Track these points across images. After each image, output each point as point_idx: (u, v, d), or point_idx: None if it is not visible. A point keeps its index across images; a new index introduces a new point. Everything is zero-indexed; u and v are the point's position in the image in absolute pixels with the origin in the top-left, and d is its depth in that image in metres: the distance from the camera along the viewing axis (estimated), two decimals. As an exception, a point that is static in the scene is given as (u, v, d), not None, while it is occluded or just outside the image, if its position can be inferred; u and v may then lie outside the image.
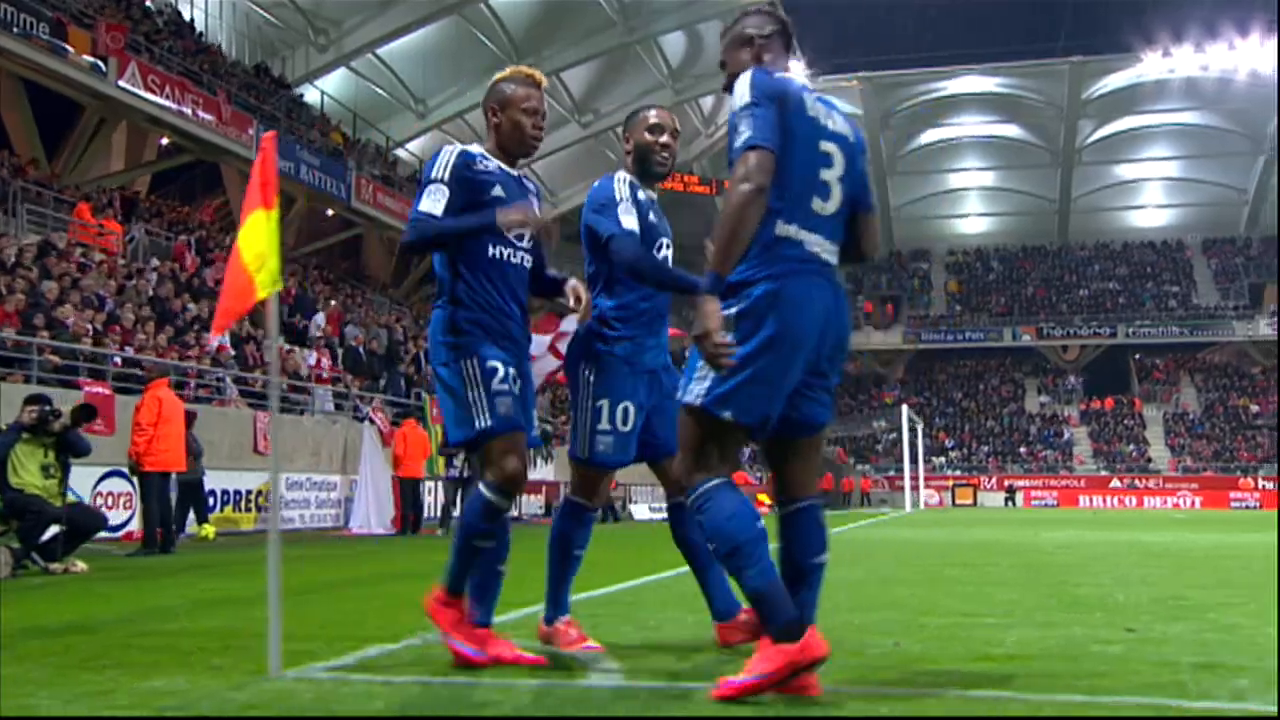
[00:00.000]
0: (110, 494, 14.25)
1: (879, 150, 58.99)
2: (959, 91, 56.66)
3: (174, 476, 14.36)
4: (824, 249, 3.45)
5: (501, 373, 3.89)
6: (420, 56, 42.18)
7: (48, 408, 8.23)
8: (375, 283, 38.59)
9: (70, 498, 8.80)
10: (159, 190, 35.03)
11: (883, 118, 57.07)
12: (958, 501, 52.42)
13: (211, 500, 16.05)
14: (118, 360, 16.05)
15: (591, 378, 4.33)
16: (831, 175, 3.48)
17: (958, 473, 55.39)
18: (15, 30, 21.99)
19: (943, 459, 56.60)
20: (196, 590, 7.08)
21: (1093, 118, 57.18)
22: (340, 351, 23.70)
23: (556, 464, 27.73)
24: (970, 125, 60.02)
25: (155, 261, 22.67)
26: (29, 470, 8.07)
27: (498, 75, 4.38)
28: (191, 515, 14.95)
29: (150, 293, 20.36)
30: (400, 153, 43.37)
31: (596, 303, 4.42)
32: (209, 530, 14.75)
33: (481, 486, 3.87)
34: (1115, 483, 53.01)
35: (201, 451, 14.92)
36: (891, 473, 55.15)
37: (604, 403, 4.28)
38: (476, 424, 3.83)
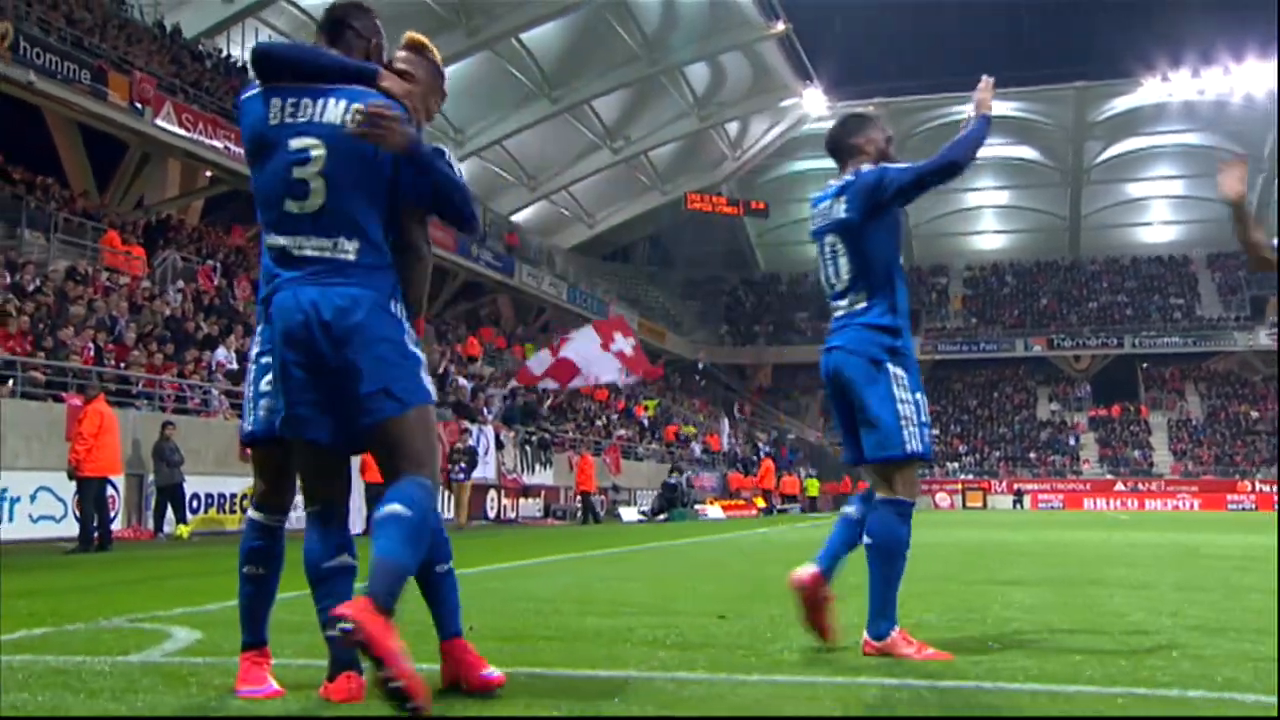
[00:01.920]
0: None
1: (897, 172, 58.87)
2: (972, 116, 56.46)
3: (153, 479, 15.26)
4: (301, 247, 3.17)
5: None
6: (456, 89, 42.92)
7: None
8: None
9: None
10: (211, 216, 36.19)
11: (900, 141, 56.76)
12: (968, 504, 52.08)
13: (195, 503, 16.84)
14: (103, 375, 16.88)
15: (903, 374, 4.18)
16: (307, 172, 3.15)
17: (969, 476, 55.05)
18: (59, 77, 23.01)
19: (955, 464, 56.26)
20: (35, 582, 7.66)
21: (1100, 139, 56.66)
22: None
23: (555, 469, 28.27)
24: (984, 147, 59.44)
25: (180, 284, 23.57)
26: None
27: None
28: (171, 515, 15.74)
29: (166, 313, 21.22)
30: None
31: (875, 303, 4.27)
32: (185, 530, 15.48)
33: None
34: (1119, 486, 52.40)
35: (181, 460, 15.70)
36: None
37: (920, 396, 4.21)
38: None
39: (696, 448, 39.91)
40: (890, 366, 4.19)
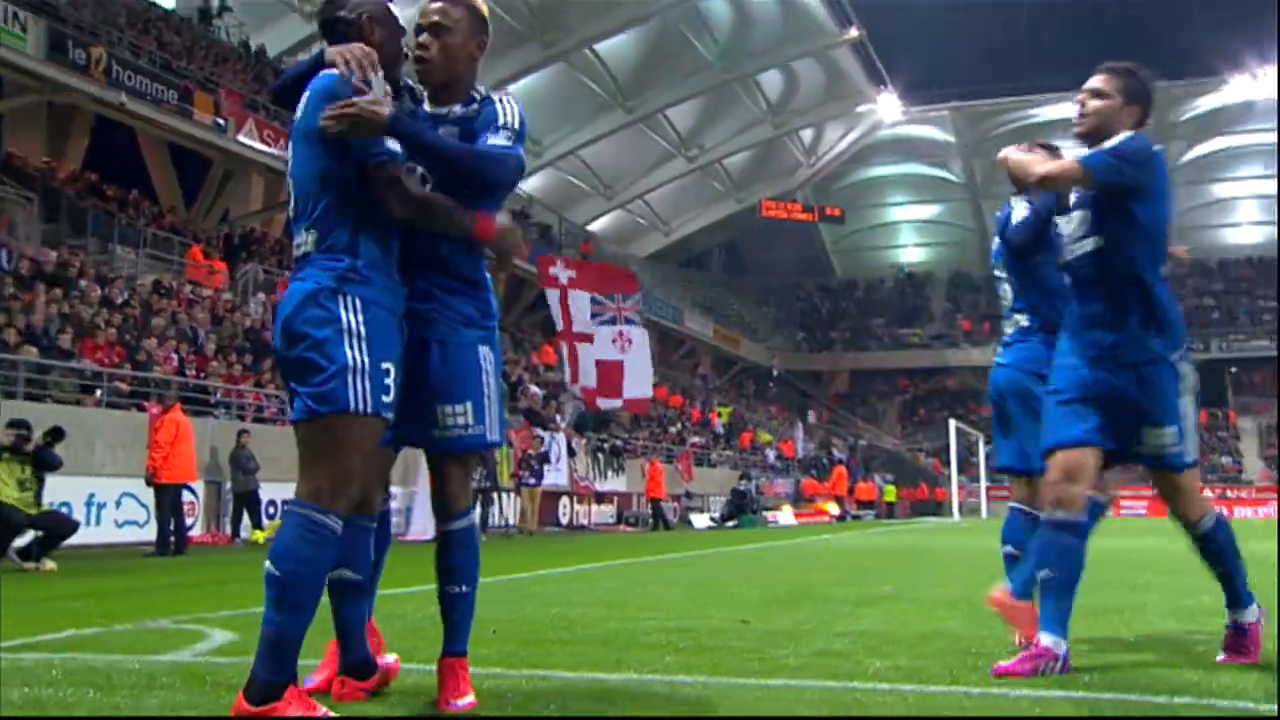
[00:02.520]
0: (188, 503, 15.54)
1: (973, 176, 58.14)
2: (1050, 118, 55.23)
3: (229, 486, 15.74)
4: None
5: None
6: (531, 102, 43.35)
7: (22, 431, 9.35)
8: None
9: (46, 506, 9.86)
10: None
11: (975, 145, 56.12)
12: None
13: (272, 509, 17.30)
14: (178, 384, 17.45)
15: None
16: (287, 176, 3.23)
17: (1050, 482, 53.95)
18: (148, 98, 23.83)
19: (1037, 469, 55.23)
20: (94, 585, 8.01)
21: (1183, 139, 55.24)
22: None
23: (627, 475, 28.44)
24: (1063, 150, 58.45)
25: (261, 296, 24.23)
26: (6, 484, 9.18)
27: None
28: (247, 521, 16.22)
29: (247, 324, 21.83)
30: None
31: (1033, 322, 4.65)
32: (260, 535, 15.93)
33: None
34: (1207, 493, 50.72)
35: (257, 467, 16.16)
36: (987, 484, 54.16)
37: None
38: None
39: (770, 454, 39.81)
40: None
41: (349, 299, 3.02)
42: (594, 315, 18.26)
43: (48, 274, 18.18)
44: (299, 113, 3.16)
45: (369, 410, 3.00)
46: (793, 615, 5.83)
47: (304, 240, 3.12)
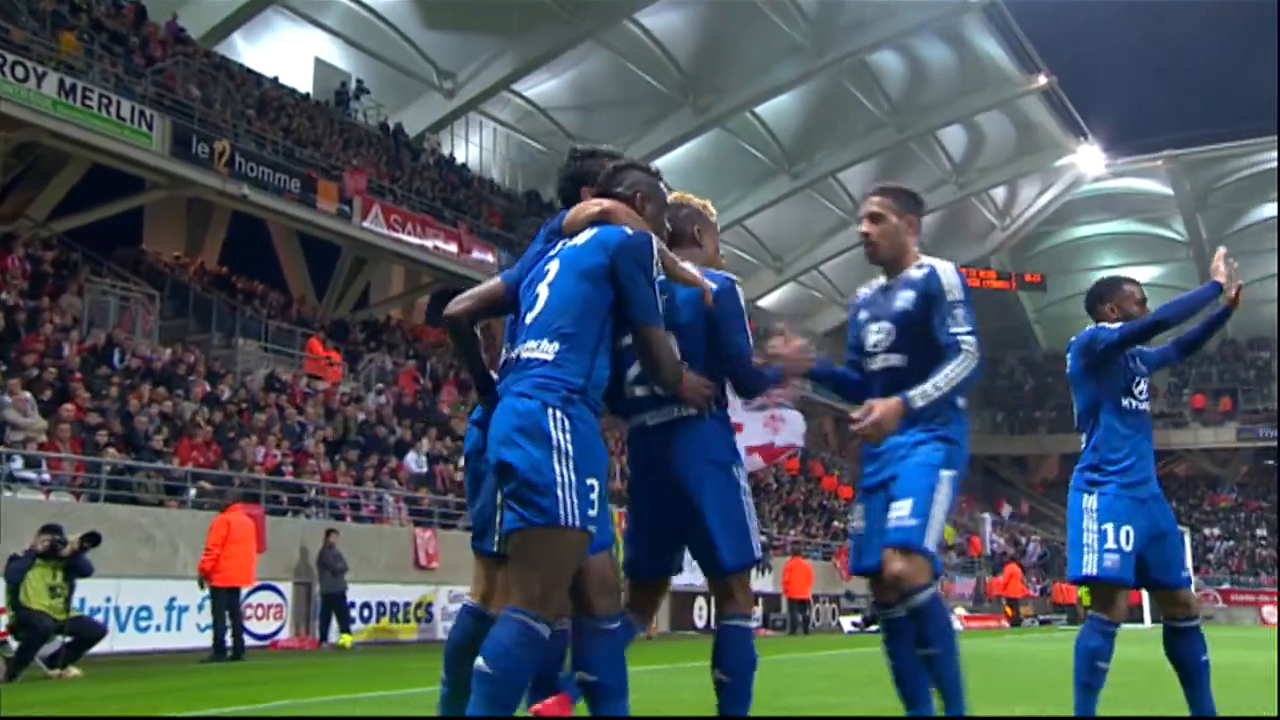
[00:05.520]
0: (260, 605, 16.67)
1: (1198, 233, 55.99)
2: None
3: (317, 588, 16.78)
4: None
5: None
6: (690, 170, 44.31)
7: (58, 536, 10.42)
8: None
9: (75, 611, 10.87)
10: (433, 315, 39.04)
11: (1199, 197, 54.15)
12: (1300, 621, 47.47)
13: (366, 612, 18.29)
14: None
15: (1092, 505, 5.30)
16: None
17: (1312, 588, 50.41)
18: (271, 189, 25.79)
19: (1291, 572, 52.00)
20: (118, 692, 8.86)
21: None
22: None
23: (774, 575, 28.49)
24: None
25: (380, 386, 25.67)
26: (38, 591, 10.22)
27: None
28: (335, 624, 17.19)
29: (361, 417, 23.18)
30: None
31: (1087, 447, 5.43)
32: (348, 639, 16.85)
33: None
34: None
35: (345, 567, 17.16)
36: (1225, 585, 51.37)
37: (1109, 525, 5.20)
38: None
39: (953, 553, 39.00)
40: (1081, 497, 5.33)
41: (565, 419, 3.62)
42: (743, 404, 18.95)
43: (156, 372, 19.86)
44: (579, 245, 3.91)
45: (577, 524, 3.57)
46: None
47: (540, 347, 3.75)
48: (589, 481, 3.60)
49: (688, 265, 4.20)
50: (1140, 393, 5.44)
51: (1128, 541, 5.15)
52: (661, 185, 4.22)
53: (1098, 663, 5.10)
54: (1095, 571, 5.14)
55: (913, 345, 4.44)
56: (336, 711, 7.75)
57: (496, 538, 3.99)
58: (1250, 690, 8.46)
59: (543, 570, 3.55)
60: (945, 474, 4.30)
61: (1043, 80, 44.33)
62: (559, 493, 3.53)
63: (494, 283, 4.14)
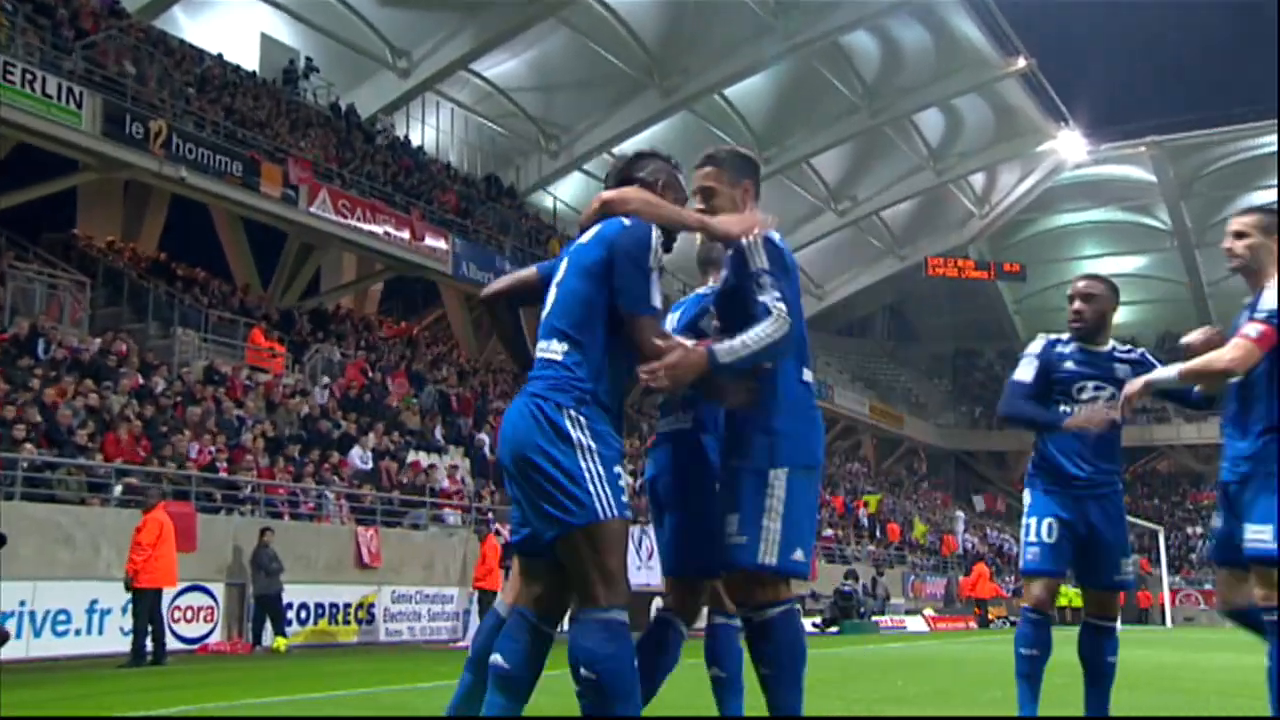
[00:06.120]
0: (190, 607, 16.36)
1: (1183, 221, 56.20)
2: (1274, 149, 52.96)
3: (251, 590, 16.51)
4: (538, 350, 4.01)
5: None
6: (655, 154, 44.02)
7: (-37, 539, 10.12)
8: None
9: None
10: (387, 304, 38.72)
11: (1184, 185, 54.32)
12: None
13: (304, 613, 18.01)
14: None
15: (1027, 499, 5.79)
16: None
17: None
18: (211, 171, 25.34)
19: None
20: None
21: None
22: (492, 462, 25.45)
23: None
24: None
25: (326, 380, 25.32)
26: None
27: None
28: (269, 627, 16.91)
29: (305, 410, 22.84)
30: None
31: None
32: (283, 643, 16.57)
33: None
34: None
35: (280, 568, 16.88)
36: (1208, 586, 51.59)
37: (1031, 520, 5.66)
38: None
39: (926, 550, 39.00)
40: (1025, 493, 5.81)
41: (580, 417, 3.76)
42: None
43: (84, 363, 19.47)
44: (583, 243, 3.99)
45: (615, 514, 3.71)
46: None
47: (549, 348, 3.90)
48: (615, 469, 3.76)
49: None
50: (1082, 394, 5.61)
51: (1049, 534, 5.51)
52: (680, 176, 4.34)
53: (1020, 649, 5.46)
54: (1022, 564, 5.67)
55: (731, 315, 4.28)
56: (265, 712, 7.62)
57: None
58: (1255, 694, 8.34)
59: (597, 566, 3.69)
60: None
61: (1022, 63, 44.34)
62: (591, 488, 3.68)
63: (529, 270, 4.35)
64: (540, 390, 3.80)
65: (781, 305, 4.00)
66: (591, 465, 3.69)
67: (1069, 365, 5.64)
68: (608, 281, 3.86)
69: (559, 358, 3.84)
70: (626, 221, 3.95)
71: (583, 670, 3.56)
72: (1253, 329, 4.63)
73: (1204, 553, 54.90)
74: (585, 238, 4.01)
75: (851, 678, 11.31)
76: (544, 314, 4.02)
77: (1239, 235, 4.94)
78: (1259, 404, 4.77)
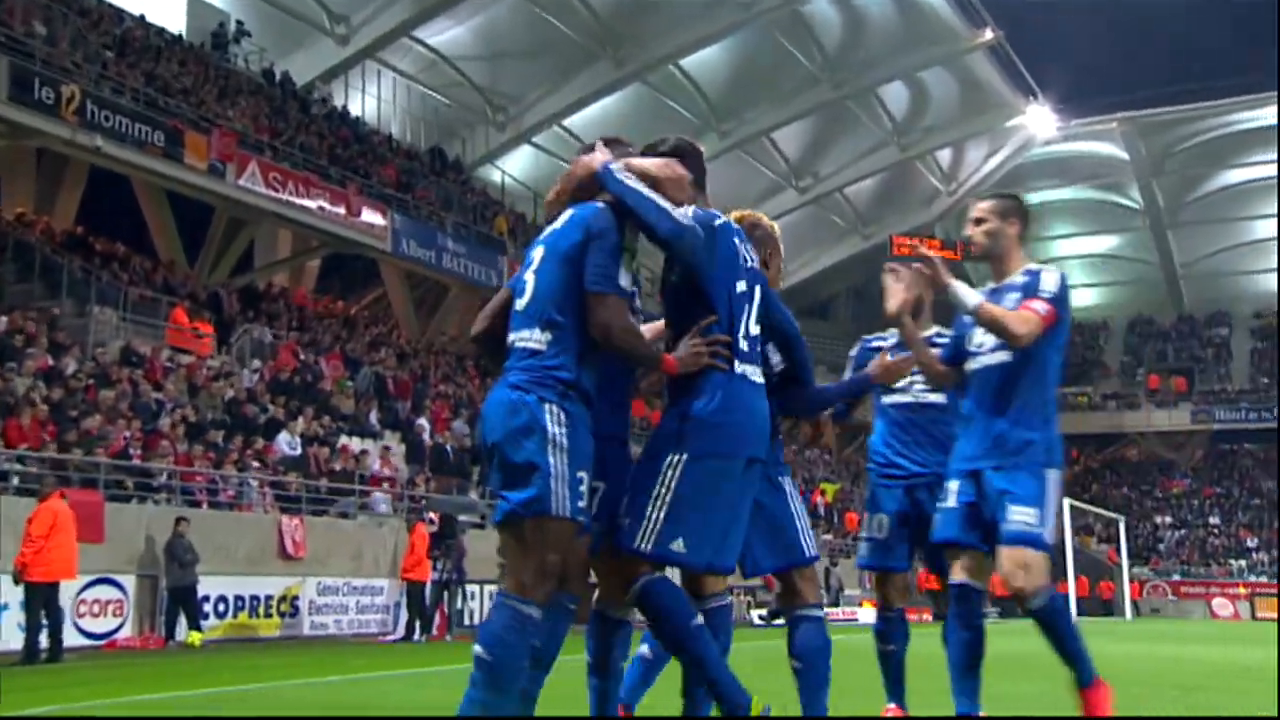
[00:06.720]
0: (97, 600, 15.84)
1: (1155, 200, 56.33)
2: (1257, 125, 52.81)
3: (164, 581, 16.03)
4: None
5: None
6: (609, 127, 43.50)
7: None
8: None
9: None
10: (325, 283, 38.02)
11: (1156, 162, 54.38)
12: (1258, 614, 47.51)
13: (222, 606, 17.53)
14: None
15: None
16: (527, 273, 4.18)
17: (1260, 579, 50.87)
18: (130, 141, 24.64)
19: (1242, 562, 52.61)
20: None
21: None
22: (429, 447, 24.99)
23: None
24: (1271, 164, 56.19)
25: (256, 363, 24.76)
26: None
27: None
28: (183, 620, 16.43)
29: (229, 394, 22.27)
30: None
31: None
32: (197, 637, 16.11)
33: None
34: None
35: (195, 559, 16.39)
36: (1175, 577, 51.92)
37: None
38: None
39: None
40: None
41: (561, 413, 3.91)
42: None
43: (-13, 343, 18.85)
44: (558, 228, 4.15)
45: (567, 514, 3.87)
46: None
47: (532, 337, 4.02)
48: (579, 474, 3.91)
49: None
50: (914, 386, 5.91)
51: (880, 530, 5.77)
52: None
53: (877, 644, 5.81)
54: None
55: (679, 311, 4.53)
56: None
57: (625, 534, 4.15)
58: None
59: (534, 558, 3.86)
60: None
61: (989, 35, 44.12)
62: (551, 484, 3.84)
63: (503, 293, 4.38)
64: (523, 383, 3.94)
65: (689, 222, 4.13)
66: (557, 462, 3.84)
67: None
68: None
69: (541, 347, 3.98)
70: (600, 205, 4.12)
71: (480, 648, 3.78)
72: (1040, 305, 4.90)
73: (1171, 542, 55.37)
74: (558, 223, 4.17)
75: (767, 670, 10.99)
76: (521, 304, 4.10)
77: (978, 222, 5.28)
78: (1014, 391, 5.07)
